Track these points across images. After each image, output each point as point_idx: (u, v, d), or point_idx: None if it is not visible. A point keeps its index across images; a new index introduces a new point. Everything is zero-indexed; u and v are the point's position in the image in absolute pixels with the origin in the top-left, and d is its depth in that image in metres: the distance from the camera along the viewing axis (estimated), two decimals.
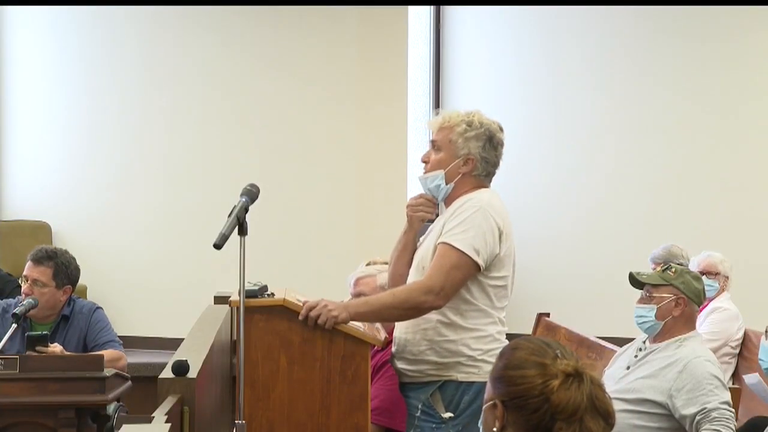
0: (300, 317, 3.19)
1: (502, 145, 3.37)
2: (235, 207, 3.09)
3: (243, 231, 3.06)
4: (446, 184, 3.34)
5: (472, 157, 3.32)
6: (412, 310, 3.23)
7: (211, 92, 7.16)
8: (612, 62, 7.86)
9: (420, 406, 3.29)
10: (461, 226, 3.23)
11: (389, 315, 3.32)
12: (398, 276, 3.44)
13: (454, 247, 3.21)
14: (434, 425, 3.26)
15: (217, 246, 2.99)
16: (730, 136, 7.67)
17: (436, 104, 8.17)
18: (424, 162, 3.41)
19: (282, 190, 6.92)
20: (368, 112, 7.19)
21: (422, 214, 3.41)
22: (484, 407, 2.00)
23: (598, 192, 7.87)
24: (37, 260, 4.39)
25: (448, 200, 3.38)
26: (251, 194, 3.17)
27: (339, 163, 7.15)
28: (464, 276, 3.22)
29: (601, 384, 1.94)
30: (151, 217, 7.13)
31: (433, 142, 3.39)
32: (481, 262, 3.22)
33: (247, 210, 3.11)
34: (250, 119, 7.17)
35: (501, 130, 3.39)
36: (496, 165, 3.38)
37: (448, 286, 3.20)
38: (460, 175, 3.34)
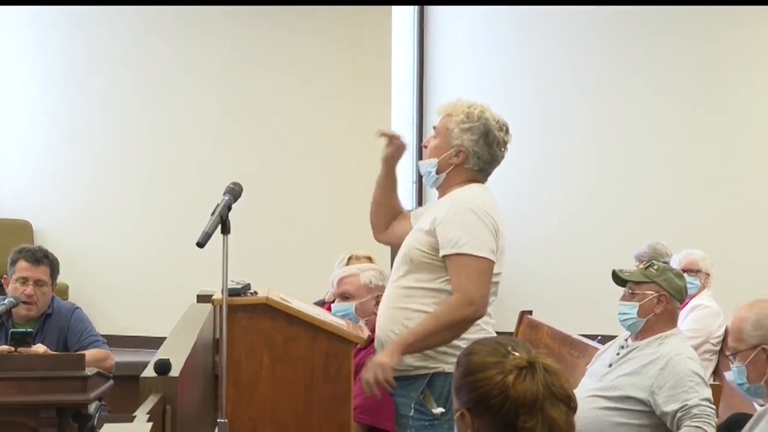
0: (365, 389, 3.17)
1: (499, 144, 3.33)
2: (218, 205, 3.09)
3: (226, 229, 3.06)
4: (437, 173, 3.34)
5: (463, 149, 3.31)
6: (459, 326, 3.18)
7: (195, 91, 7.14)
8: (596, 62, 7.88)
9: (413, 405, 3.26)
10: (467, 233, 3.20)
11: (439, 339, 3.21)
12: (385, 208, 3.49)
13: (472, 255, 3.19)
14: (427, 423, 3.24)
15: (200, 244, 2.99)
16: (714, 136, 7.72)
17: (420, 103, 8.19)
18: (425, 147, 3.42)
19: (265, 188, 6.90)
20: (353, 111, 7.19)
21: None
22: (454, 418, 2.02)
23: (581, 190, 7.89)
24: (37, 260, 4.36)
25: (441, 189, 3.37)
26: (234, 193, 3.17)
27: (323, 161, 7.15)
28: (490, 277, 3.23)
29: (556, 370, 1.96)
30: (133, 216, 7.11)
31: (435, 128, 3.40)
32: (495, 259, 3.24)
33: (230, 208, 3.10)
34: (234, 118, 7.15)
35: (502, 129, 3.34)
36: (490, 163, 3.35)
37: (484, 290, 3.20)
38: (451, 167, 3.32)
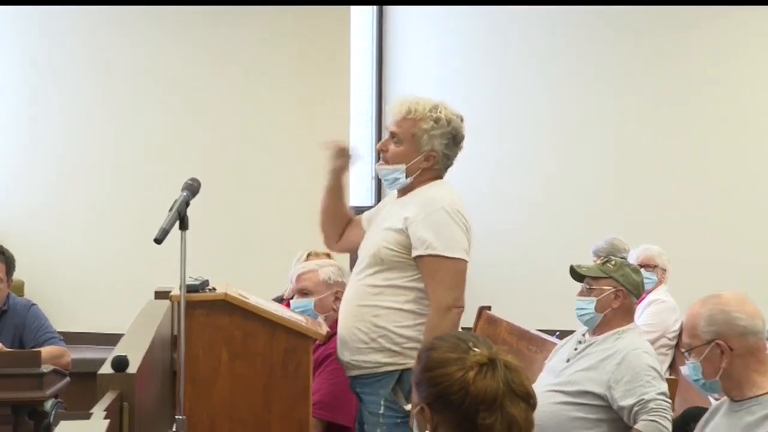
0: None
1: (463, 138, 3.37)
2: (176, 201, 3.07)
3: (184, 225, 3.05)
4: (406, 178, 3.32)
5: (435, 153, 3.31)
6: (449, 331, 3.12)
7: (152, 88, 7.09)
8: (554, 59, 7.93)
9: (383, 402, 3.25)
10: (439, 234, 3.21)
11: None
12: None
13: (445, 257, 3.20)
14: (399, 420, 3.23)
15: (158, 240, 2.97)
16: (672, 132, 7.79)
17: (379, 100, 8.20)
18: (382, 151, 3.37)
19: (224, 185, 6.87)
20: (311, 108, 7.19)
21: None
22: (413, 412, 2.02)
23: (539, 186, 7.94)
24: None
25: (403, 189, 3.36)
26: (192, 188, 3.15)
27: (282, 158, 7.14)
28: (464, 276, 3.25)
29: (516, 367, 1.97)
30: (91, 211, 7.05)
31: (393, 134, 3.34)
32: (468, 258, 3.26)
33: (188, 204, 3.09)
34: (192, 115, 7.12)
35: (463, 122, 3.37)
36: (454, 158, 3.39)
37: (457, 293, 3.21)
38: (420, 170, 3.32)
